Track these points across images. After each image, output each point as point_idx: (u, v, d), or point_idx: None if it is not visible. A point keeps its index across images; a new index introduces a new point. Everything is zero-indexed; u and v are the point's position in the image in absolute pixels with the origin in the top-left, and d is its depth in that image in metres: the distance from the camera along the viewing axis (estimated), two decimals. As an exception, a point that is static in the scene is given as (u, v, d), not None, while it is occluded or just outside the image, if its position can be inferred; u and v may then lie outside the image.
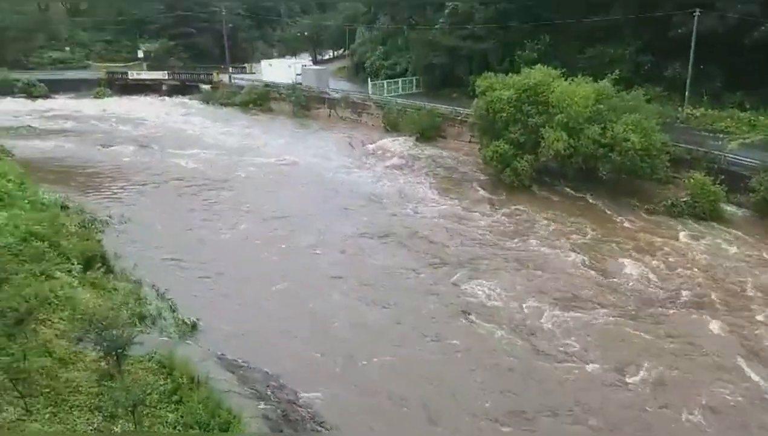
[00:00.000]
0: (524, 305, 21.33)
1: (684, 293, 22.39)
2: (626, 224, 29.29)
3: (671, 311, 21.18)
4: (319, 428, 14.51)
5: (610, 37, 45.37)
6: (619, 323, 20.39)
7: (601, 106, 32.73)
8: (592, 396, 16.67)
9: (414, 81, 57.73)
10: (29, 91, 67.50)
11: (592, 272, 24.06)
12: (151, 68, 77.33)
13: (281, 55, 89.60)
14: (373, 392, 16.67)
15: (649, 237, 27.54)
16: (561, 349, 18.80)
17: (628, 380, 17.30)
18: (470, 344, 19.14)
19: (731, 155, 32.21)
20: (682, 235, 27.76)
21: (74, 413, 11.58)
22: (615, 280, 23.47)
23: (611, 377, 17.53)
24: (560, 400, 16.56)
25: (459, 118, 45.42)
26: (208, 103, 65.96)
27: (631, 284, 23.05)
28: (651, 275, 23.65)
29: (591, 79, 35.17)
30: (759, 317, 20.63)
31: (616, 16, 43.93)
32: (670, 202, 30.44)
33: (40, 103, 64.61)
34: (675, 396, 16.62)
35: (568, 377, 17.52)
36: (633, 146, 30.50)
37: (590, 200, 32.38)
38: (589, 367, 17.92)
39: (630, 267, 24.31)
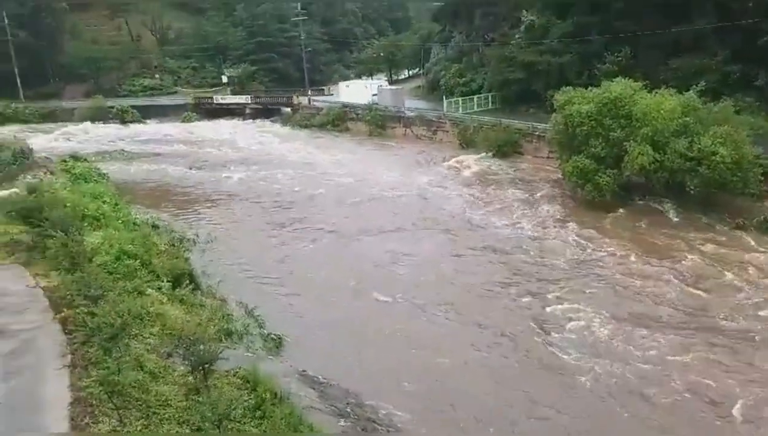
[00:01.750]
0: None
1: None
2: (718, 242, 27.95)
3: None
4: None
5: (694, 47, 43.67)
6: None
7: (688, 118, 31.58)
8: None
9: (489, 97, 57.36)
10: (122, 117, 71.13)
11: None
12: (234, 93, 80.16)
13: (358, 77, 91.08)
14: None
15: (744, 255, 26.18)
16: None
17: None
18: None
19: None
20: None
21: (164, 425, 11.93)
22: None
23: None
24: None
25: (536, 133, 44.84)
26: (288, 125, 67.83)
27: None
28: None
29: (675, 90, 34.03)
30: None
31: (699, 25, 42.37)
32: (763, 217, 28.95)
33: (133, 128, 67.88)
34: None
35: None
36: (722, 159, 29.22)
37: (676, 217, 31.18)
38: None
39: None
